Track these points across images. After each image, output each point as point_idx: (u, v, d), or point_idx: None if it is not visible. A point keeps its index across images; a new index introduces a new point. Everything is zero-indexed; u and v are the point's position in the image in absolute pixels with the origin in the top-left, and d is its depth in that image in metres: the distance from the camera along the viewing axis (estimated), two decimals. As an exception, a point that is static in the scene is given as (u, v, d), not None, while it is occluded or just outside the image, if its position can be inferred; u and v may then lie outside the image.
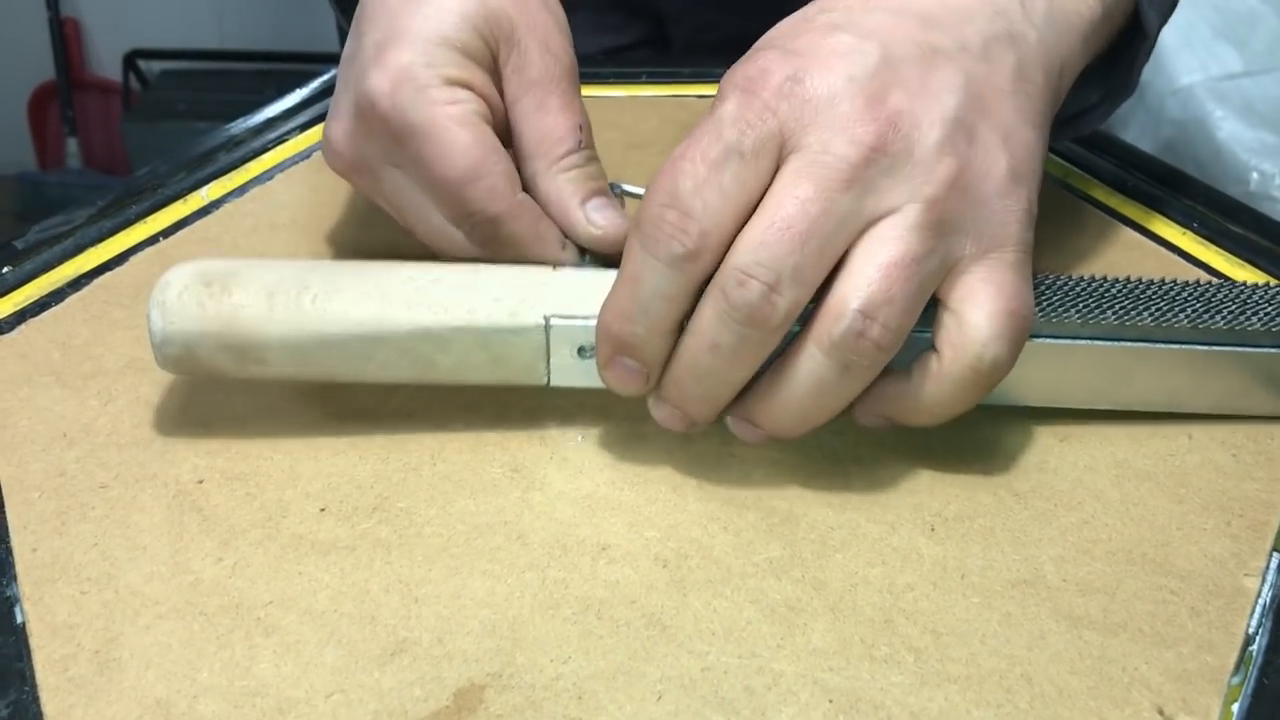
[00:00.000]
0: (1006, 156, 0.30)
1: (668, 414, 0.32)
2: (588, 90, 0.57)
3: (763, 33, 0.32)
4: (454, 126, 0.34)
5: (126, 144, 1.96)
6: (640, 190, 0.44)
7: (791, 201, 0.28)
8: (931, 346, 0.31)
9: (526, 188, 0.36)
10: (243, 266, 0.33)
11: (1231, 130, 1.09)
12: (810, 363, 0.29)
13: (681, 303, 0.30)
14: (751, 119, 0.29)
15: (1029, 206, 0.31)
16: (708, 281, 0.29)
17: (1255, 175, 1.04)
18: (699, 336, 0.30)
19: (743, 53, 0.31)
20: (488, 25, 0.36)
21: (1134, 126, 1.21)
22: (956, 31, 0.31)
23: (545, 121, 0.36)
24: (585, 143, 0.37)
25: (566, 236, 0.36)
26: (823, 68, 0.29)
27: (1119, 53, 0.39)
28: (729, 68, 0.31)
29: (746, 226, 0.29)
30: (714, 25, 0.70)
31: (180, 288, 0.33)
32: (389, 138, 0.35)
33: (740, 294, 0.28)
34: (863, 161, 0.28)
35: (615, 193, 0.44)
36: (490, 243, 0.35)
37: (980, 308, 0.29)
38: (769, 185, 0.29)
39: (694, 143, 0.29)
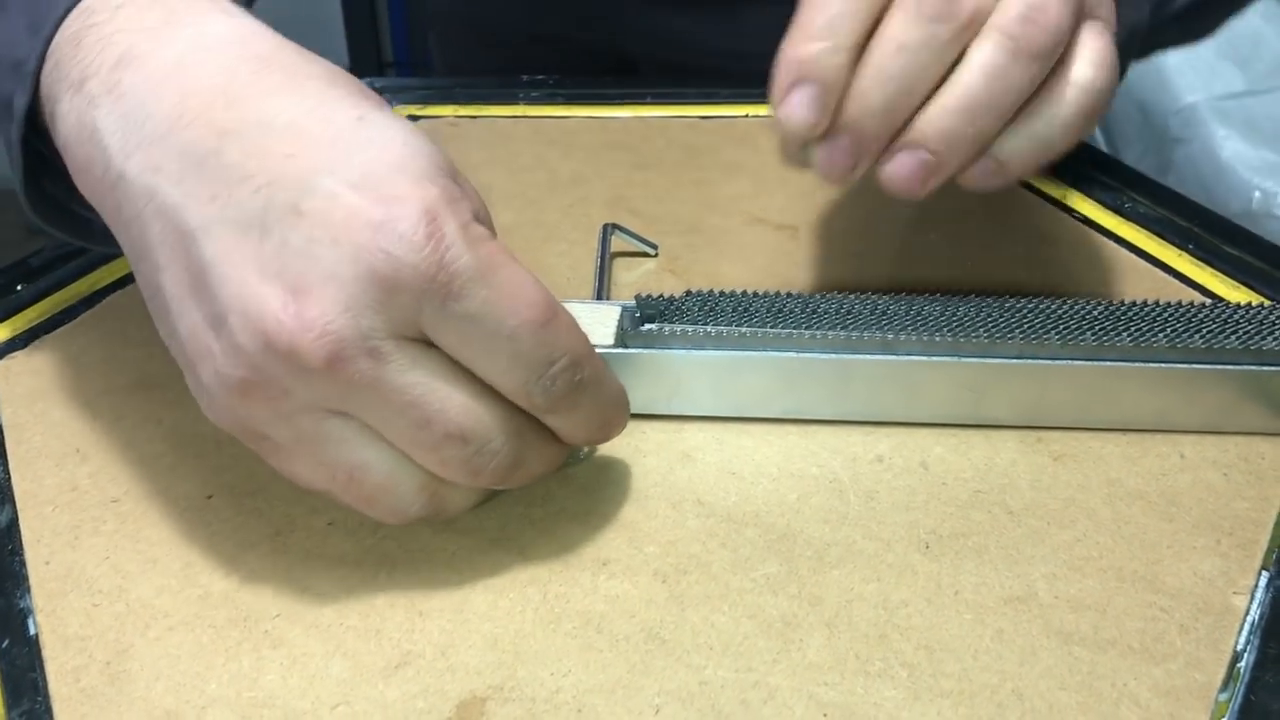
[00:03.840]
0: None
1: (836, 152, 0.33)
2: (594, 111, 0.58)
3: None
4: (510, 259, 0.27)
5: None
6: (637, 237, 0.45)
7: None
8: None
9: None
10: None
11: (1234, 149, 1.09)
12: (984, 52, 0.31)
13: (866, 19, 0.31)
14: None
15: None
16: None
17: (1257, 194, 1.05)
18: (886, 40, 0.31)
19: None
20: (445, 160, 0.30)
21: (1138, 144, 1.22)
22: None
23: None
24: None
25: None
26: None
27: None
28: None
29: None
30: (682, 66, 0.71)
31: None
32: (432, 295, 0.26)
33: None
34: None
35: (613, 234, 0.45)
36: (566, 398, 0.29)
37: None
38: None
39: None
